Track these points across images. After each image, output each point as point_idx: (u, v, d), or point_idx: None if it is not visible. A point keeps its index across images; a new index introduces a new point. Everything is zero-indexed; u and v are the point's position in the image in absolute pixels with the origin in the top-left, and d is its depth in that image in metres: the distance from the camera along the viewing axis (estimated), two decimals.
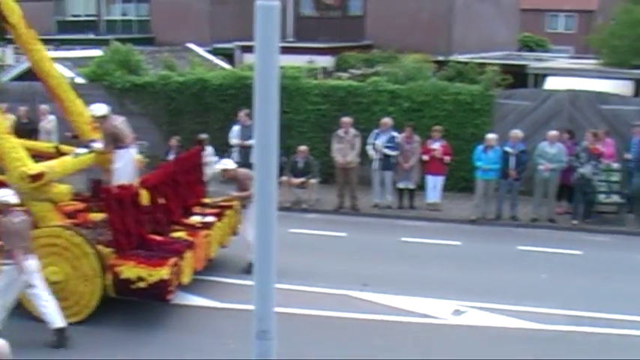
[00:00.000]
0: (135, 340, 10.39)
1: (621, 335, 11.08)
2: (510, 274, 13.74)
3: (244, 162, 16.17)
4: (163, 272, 10.42)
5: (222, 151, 17.98)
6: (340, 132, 18.15)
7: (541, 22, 62.06)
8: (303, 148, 18.44)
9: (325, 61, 27.75)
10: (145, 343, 10.30)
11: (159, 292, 10.49)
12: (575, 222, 17.28)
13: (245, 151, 17.63)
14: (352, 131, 18.12)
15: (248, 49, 28.03)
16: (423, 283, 12.92)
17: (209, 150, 17.67)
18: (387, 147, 17.90)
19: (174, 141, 18.47)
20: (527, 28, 51.14)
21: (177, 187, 12.93)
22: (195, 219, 12.92)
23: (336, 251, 15.05)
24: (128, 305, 10.95)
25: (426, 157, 17.95)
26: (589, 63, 25.65)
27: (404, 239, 15.93)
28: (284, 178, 17.69)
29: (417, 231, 16.68)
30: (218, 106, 20.84)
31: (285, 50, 20.98)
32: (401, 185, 18.21)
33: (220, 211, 13.44)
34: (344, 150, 18.02)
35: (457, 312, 11.71)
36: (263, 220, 4.15)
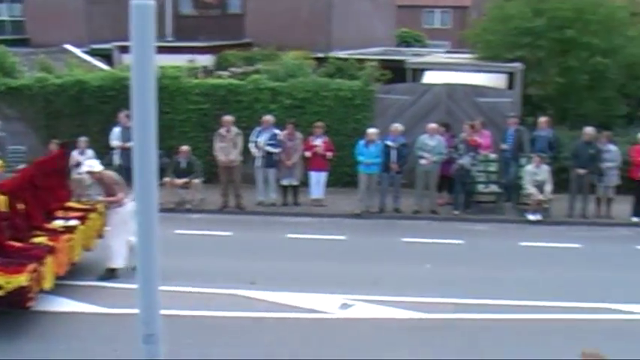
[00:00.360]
0: (19, 350, 10.05)
1: (502, 320, 11.41)
2: (395, 266, 13.94)
3: (126, 164, 15.89)
4: (22, 279, 10.09)
5: (103, 153, 17.62)
6: (222, 131, 18.04)
7: (418, 18, 63.21)
8: (185, 148, 18.23)
9: (206, 60, 27.48)
10: (34, 353, 9.98)
11: (18, 300, 10.16)
12: (456, 212, 17.71)
13: (127, 153, 17.29)
14: (234, 130, 18.05)
15: (126, 50, 27.52)
16: (310, 279, 12.96)
17: (89, 153, 17.31)
18: (269, 144, 17.90)
19: (53, 145, 17.95)
20: (405, 24, 51.98)
21: (38, 192, 12.52)
22: (57, 223, 12.54)
23: (223, 251, 14.95)
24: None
25: (308, 154, 18.03)
26: (465, 57, 26.19)
27: (289, 236, 15.96)
28: (167, 179, 17.46)
29: (302, 227, 16.74)
30: (98, 108, 20.35)
31: (165, 50, 20.67)
32: (284, 182, 18.23)
33: (84, 215, 13.09)
34: (226, 149, 17.91)
35: (345, 305, 11.79)
36: (144, 222, 4.06)
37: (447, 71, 22.06)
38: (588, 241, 16.16)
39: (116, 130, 18.24)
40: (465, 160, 17.43)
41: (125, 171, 14.24)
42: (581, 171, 17.46)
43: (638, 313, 11.87)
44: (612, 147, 17.78)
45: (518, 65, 21.07)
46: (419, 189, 17.87)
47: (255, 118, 18.95)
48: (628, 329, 11.33)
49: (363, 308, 11.75)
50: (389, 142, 17.52)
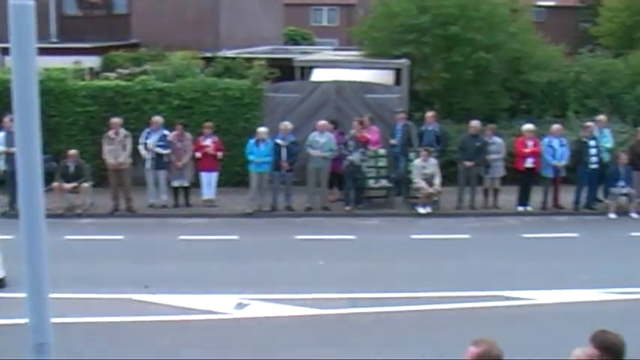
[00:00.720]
0: None
1: (397, 312, 11.59)
2: (289, 264, 14.02)
3: (11, 169, 15.47)
4: None
5: None
6: (110, 133, 17.76)
7: (305, 16, 63.52)
8: (73, 151, 17.86)
9: (92, 62, 26.91)
10: None
11: None
12: (347, 208, 17.90)
13: (11, 159, 16.80)
14: (122, 132, 17.79)
15: (7, 52, 26.75)
16: (204, 280, 12.91)
17: None
18: (158, 146, 17.73)
19: None
20: (293, 22, 52.16)
21: None
22: None
23: (115, 255, 14.71)
24: None
25: (198, 154, 17.94)
26: (352, 54, 26.44)
27: (182, 237, 15.84)
28: (55, 184, 17.07)
29: (195, 228, 16.64)
30: None
31: (49, 51, 20.13)
32: (175, 184, 18.06)
33: None
34: (115, 151, 17.64)
35: (240, 305, 11.77)
36: (31, 229, 3.98)
37: (335, 68, 22.22)
38: (477, 231, 16.63)
39: (0, 135, 17.71)
40: (354, 157, 17.63)
41: (10, 176, 13.86)
42: (468, 163, 17.93)
43: (529, 299, 12.30)
44: (497, 139, 18.32)
45: (404, 61, 21.41)
46: (310, 186, 18.00)
47: (143, 119, 18.73)
48: (521, 315, 11.73)
49: (259, 307, 11.74)
50: (279, 141, 17.59)
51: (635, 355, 5.58)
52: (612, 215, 17.97)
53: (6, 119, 17.23)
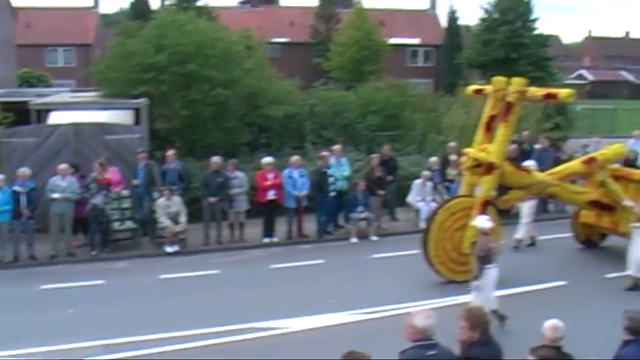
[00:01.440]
0: None
1: (154, 354, 11.58)
2: (35, 316, 13.46)
3: None
4: None
5: None
6: None
7: (41, 57, 61.62)
8: None
9: None
10: None
11: None
12: (93, 253, 17.55)
13: None
14: None
15: None
16: None
17: None
18: None
19: None
20: (27, 64, 50.44)
21: None
22: None
23: None
24: None
25: None
26: (91, 95, 25.97)
27: None
28: None
29: None
30: None
31: None
32: None
33: None
34: None
35: None
36: None
37: (72, 110, 21.72)
38: (226, 266, 16.93)
39: None
40: (97, 200, 17.36)
41: None
42: (212, 199, 18.19)
43: (282, 328, 12.72)
44: (239, 173, 18.75)
45: (143, 101, 21.39)
46: (54, 233, 17.46)
47: None
48: (276, 344, 12.09)
49: None
50: (17, 188, 16.93)
51: None
52: (354, 239, 18.92)
53: None
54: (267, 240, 18.70)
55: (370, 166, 20.03)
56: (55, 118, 21.33)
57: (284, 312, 13.35)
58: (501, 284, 12.74)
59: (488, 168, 15.17)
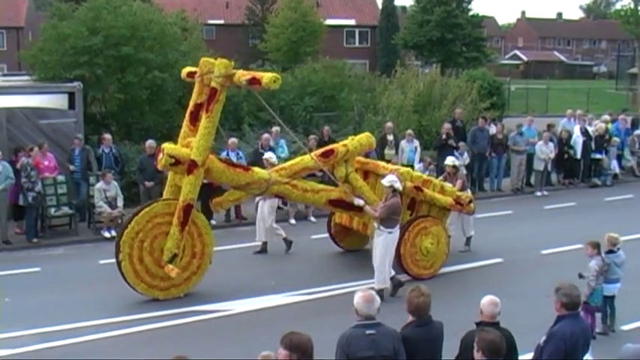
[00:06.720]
0: None
1: (92, 340, 11.52)
2: None
3: None
4: None
5: None
6: None
7: None
8: None
9: None
10: None
11: None
12: (35, 240, 17.24)
13: None
14: None
15: None
16: None
17: None
18: None
19: None
20: None
21: None
22: None
23: None
24: None
25: None
26: (23, 79, 25.48)
27: None
28: None
29: None
30: None
31: None
32: None
33: None
34: None
35: None
36: None
37: (4, 95, 21.27)
38: None
39: None
40: (39, 186, 17.09)
41: None
42: (149, 184, 18.04)
43: (227, 310, 12.87)
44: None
45: (76, 84, 21.05)
46: None
47: None
48: (220, 325, 12.17)
49: None
50: None
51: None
52: (292, 221, 19.00)
53: None
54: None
55: (308, 148, 20.04)
56: None
57: (228, 295, 13.48)
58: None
59: (190, 167, 12.97)
